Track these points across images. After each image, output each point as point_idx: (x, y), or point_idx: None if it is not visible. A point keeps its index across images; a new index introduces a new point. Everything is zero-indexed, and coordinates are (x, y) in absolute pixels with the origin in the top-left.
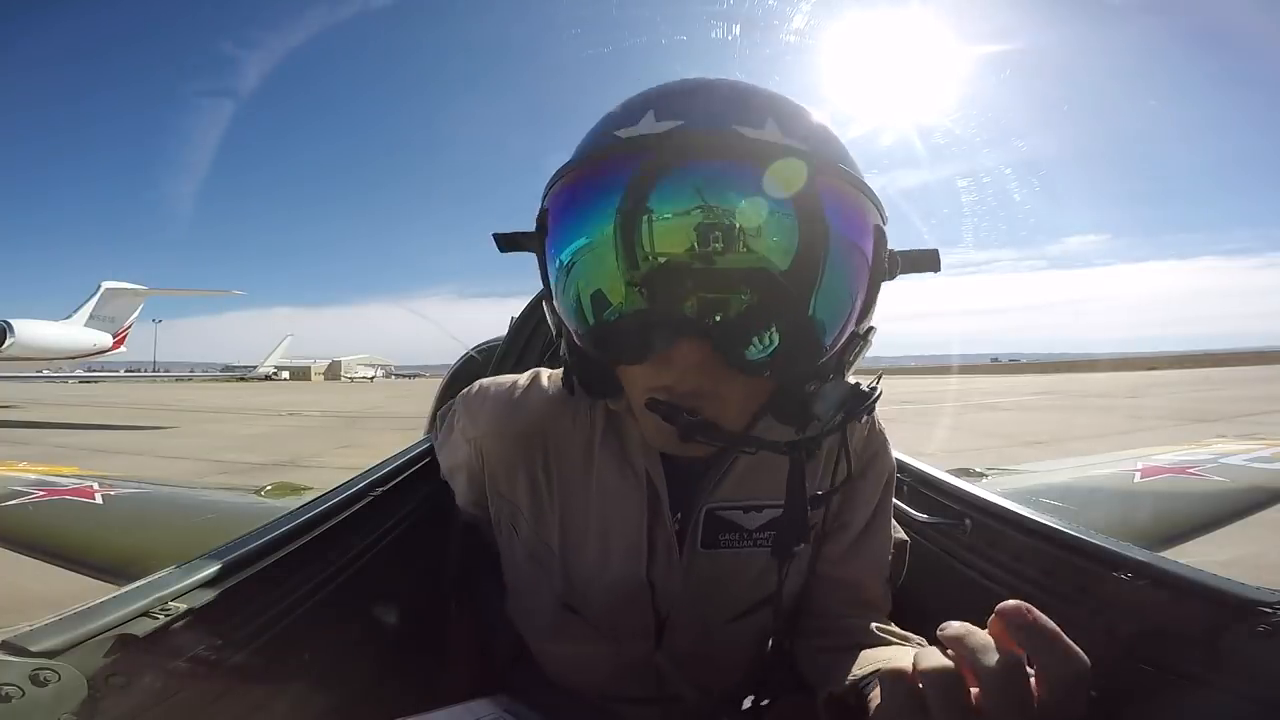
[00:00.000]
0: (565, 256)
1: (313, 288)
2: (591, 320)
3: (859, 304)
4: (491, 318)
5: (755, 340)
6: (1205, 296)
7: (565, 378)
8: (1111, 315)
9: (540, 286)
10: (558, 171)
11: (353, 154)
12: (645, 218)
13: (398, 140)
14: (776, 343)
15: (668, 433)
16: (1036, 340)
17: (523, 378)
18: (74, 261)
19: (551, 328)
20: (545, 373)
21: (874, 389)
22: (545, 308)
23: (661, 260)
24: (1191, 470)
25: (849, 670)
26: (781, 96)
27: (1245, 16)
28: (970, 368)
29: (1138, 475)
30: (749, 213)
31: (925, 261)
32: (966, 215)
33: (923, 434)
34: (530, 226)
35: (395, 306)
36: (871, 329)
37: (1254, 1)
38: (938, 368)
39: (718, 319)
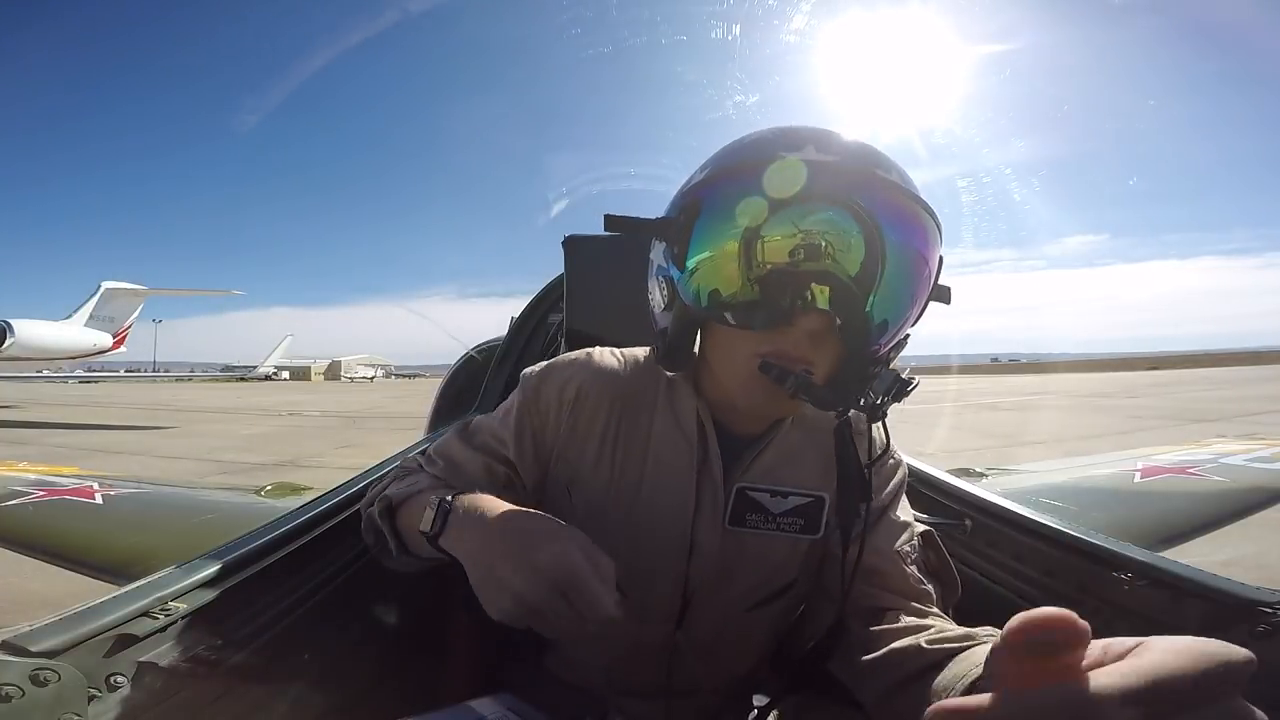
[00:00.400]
0: (727, 232)
1: (313, 288)
2: (723, 295)
3: (916, 313)
4: (491, 318)
5: (847, 321)
6: (1205, 296)
7: (660, 347)
8: (1112, 315)
9: (534, 292)
10: (722, 170)
11: (353, 154)
12: (805, 215)
13: (398, 140)
14: (866, 325)
15: (769, 393)
16: (1037, 340)
17: (593, 351)
18: (74, 261)
19: (659, 301)
20: (604, 349)
21: (913, 379)
22: (658, 284)
23: (805, 250)
24: (1191, 470)
25: (892, 662)
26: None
27: (1245, 16)
28: (970, 368)
29: (1138, 475)
30: (875, 225)
31: (940, 294)
32: (966, 215)
33: (923, 434)
34: (532, 227)
35: (395, 306)
36: (908, 336)
37: (1254, 1)
38: (938, 368)
39: (839, 298)
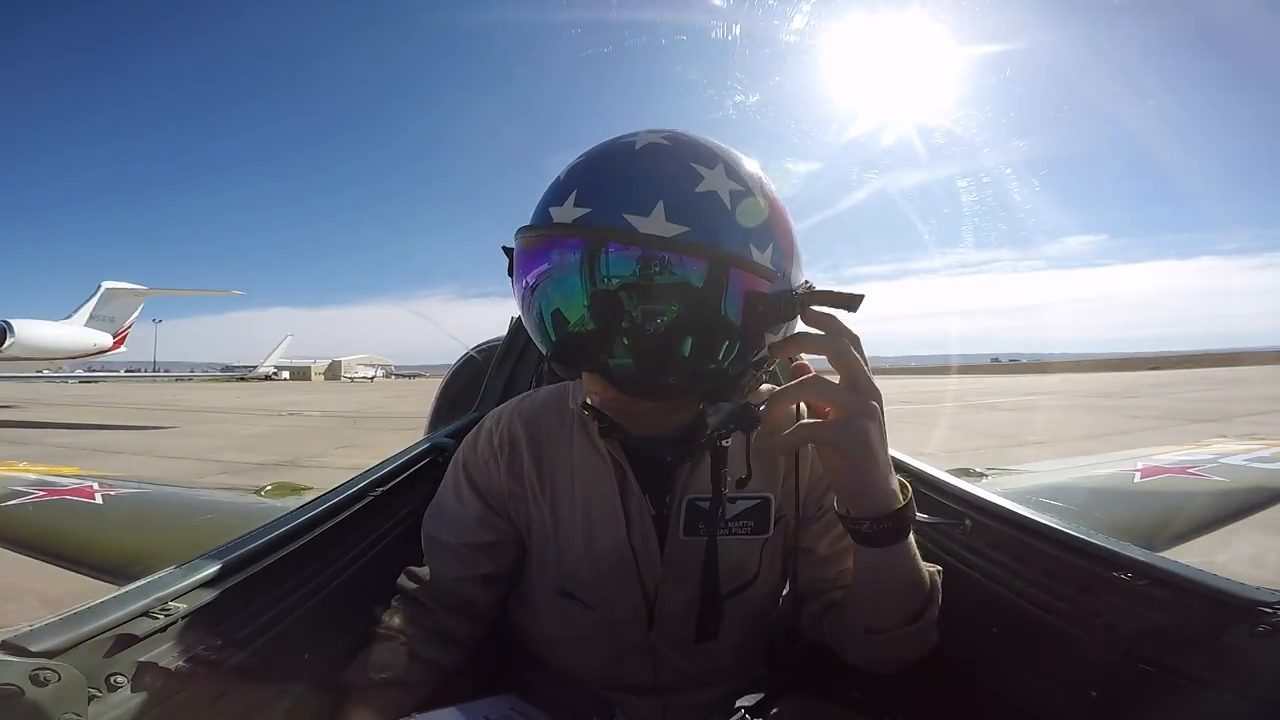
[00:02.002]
0: (523, 295)
1: (312, 288)
2: (544, 344)
3: (734, 347)
4: (491, 318)
5: (646, 376)
6: (1205, 296)
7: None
8: (1112, 315)
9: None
10: (519, 230)
11: (353, 154)
12: (568, 280)
13: (398, 140)
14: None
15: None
16: (1036, 340)
17: (510, 402)
18: (74, 261)
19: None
20: (522, 399)
21: (760, 407)
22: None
23: (577, 314)
24: (1191, 470)
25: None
26: (692, 164)
27: (1245, 16)
28: (970, 368)
29: (1138, 475)
30: (630, 281)
31: (844, 301)
32: (966, 215)
33: (922, 434)
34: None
35: (395, 306)
36: (764, 359)
37: (1254, 1)
38: (938, 368)
39: (612, 364)
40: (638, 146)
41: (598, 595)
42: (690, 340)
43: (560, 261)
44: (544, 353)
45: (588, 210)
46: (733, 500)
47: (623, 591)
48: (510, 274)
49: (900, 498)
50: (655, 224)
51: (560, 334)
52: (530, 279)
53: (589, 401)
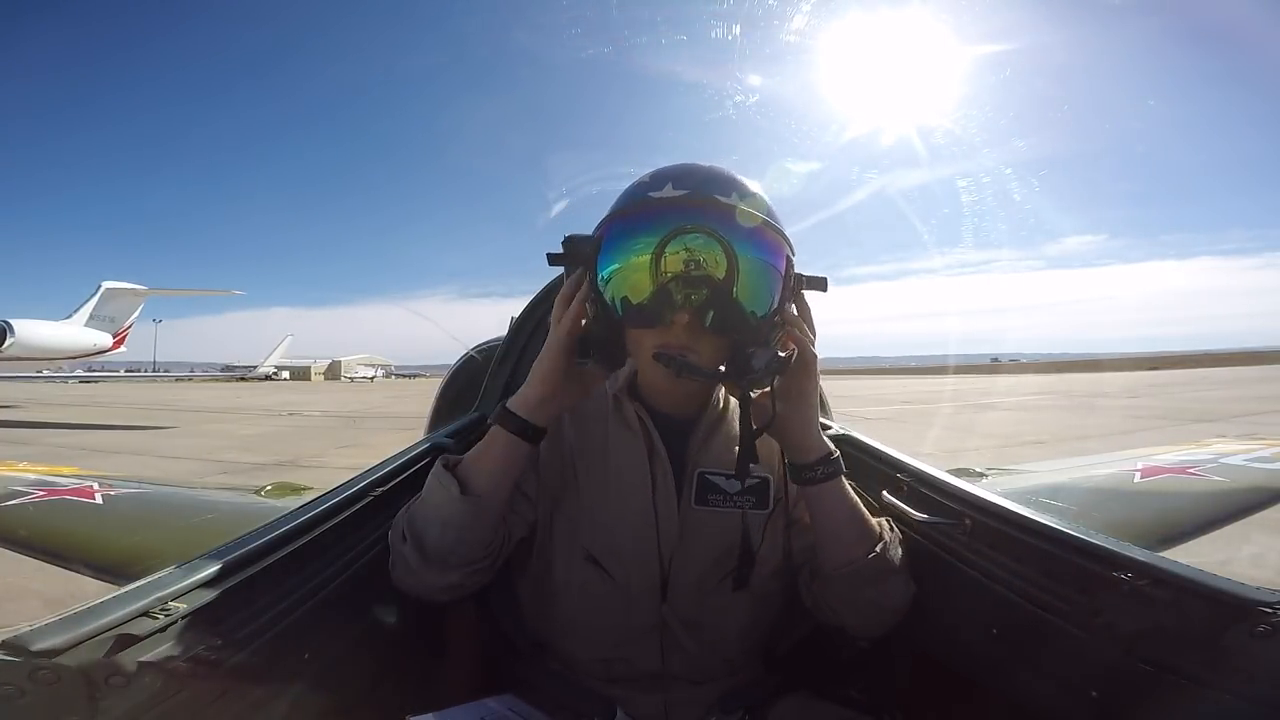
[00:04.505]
0: (617, 264)
1: (312, 288)
2: (632, 303)
3: (776, 301)
4: (491, 318)
5: (718, 314)
6: (1204, 296)
7: (598, 353)
8: (1111, 315)
9: (534, 292)
10: (612, 215)
11: (353, 154)
12: (669, 244)
13: (398, 140)
14: (730, 316)
15: (667, 376)
16: (1036, 340)
17: None
18: (74, 261)
19: (589, 315)
20: None
21: (789, 355)
22: (588, 303)
23: (674, 269)
24: (1191, 470)
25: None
26: (740, 178)
27: (1245, 16)
28: (970, 367)
29: (1138, 475)
30: (725, 239)
31: (816, 283)
32: (966, 215)
33: (922, 434)
34: (532, 227)
35: (395, 306)
36: (783, 320)
37: (1254, 1)
38: (937, 368)
39: (703, 300)
40: (703, 164)
41: (618, 560)
42: (754, 282)
43: (665, 223)
44: (641, 299)
45: (687, 191)
46: (737, 478)
47: (641, 558)
48: (584, 249)
49: (832, 446)
50: (735, 201)
51: (671, 277)
52: (641, 237)
53: (659, 351)
